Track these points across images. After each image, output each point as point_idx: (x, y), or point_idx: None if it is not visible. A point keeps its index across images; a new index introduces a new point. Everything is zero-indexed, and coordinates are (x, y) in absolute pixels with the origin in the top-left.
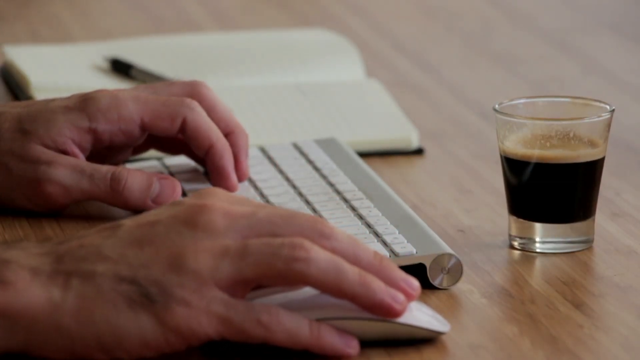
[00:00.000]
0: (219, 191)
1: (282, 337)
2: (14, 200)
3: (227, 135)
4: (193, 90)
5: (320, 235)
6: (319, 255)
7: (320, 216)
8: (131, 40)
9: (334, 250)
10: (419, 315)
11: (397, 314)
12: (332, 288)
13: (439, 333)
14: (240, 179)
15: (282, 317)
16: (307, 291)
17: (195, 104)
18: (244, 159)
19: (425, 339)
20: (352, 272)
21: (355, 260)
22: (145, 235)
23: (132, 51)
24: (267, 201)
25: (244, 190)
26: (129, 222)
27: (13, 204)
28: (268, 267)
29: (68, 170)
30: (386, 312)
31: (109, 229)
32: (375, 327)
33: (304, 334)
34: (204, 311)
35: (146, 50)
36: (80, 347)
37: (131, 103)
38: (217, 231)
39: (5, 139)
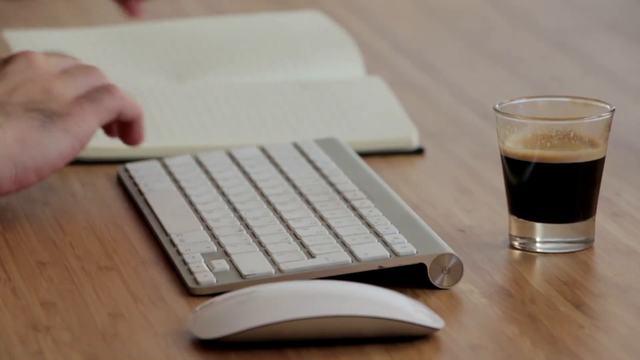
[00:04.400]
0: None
1: (130, 103)
2: None
3: None
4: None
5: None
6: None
7: (321, 217)
8: (128, 27)
9: None
10: (414, 313)
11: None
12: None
13: (433, 329)
14: None
15: (124, 92)
16: (309, 290)
17: None
18: None
19: (425, 339)
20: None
21: None
22: (8, 83)
23: (129, 39)
24: (268, 201)
25: (244, 189)
26: None
27: None
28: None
29: None
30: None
31: None
32: (372, 325)
33: (138, 105)
34: (80, 113)
35: (143, 38)
36: (22, 171)
37: None
38: (52, 63)
39: None
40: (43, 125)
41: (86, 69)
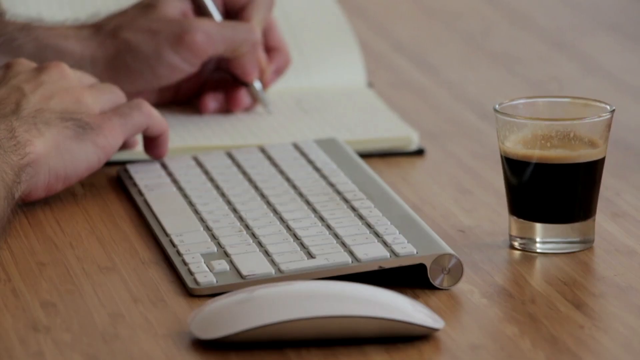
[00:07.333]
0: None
1: (157, 120)
2: (162, 56)
3: None
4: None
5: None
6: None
7: (321, 217)
8: None
9: None
10: (414, 313)
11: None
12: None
13: (433, 329)
14: None
15: (152, 109)
16: (309, 290)
17: None
18: None
19: (425, 339)
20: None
21: None
22: (45, 91)
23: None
24: (268, 202)
25: (244, 190)
26: (26, 87)
27: (162, 62)
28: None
29: (209, 22)
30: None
31: (15, 91)
32: (372, 325)
33: (164, 122)
34: (109, 127)
35: None
36: (53, 179)
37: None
38: (79, 77)
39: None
40: (76, 135)
41: (108, 86)
